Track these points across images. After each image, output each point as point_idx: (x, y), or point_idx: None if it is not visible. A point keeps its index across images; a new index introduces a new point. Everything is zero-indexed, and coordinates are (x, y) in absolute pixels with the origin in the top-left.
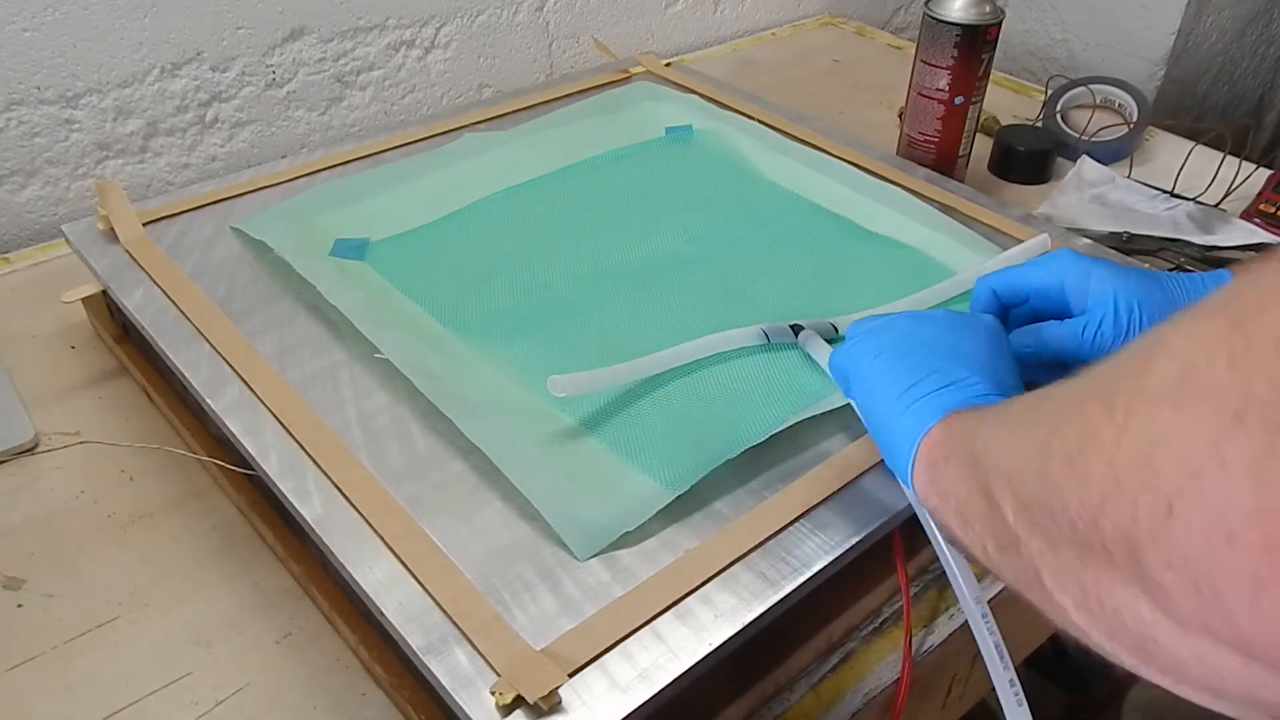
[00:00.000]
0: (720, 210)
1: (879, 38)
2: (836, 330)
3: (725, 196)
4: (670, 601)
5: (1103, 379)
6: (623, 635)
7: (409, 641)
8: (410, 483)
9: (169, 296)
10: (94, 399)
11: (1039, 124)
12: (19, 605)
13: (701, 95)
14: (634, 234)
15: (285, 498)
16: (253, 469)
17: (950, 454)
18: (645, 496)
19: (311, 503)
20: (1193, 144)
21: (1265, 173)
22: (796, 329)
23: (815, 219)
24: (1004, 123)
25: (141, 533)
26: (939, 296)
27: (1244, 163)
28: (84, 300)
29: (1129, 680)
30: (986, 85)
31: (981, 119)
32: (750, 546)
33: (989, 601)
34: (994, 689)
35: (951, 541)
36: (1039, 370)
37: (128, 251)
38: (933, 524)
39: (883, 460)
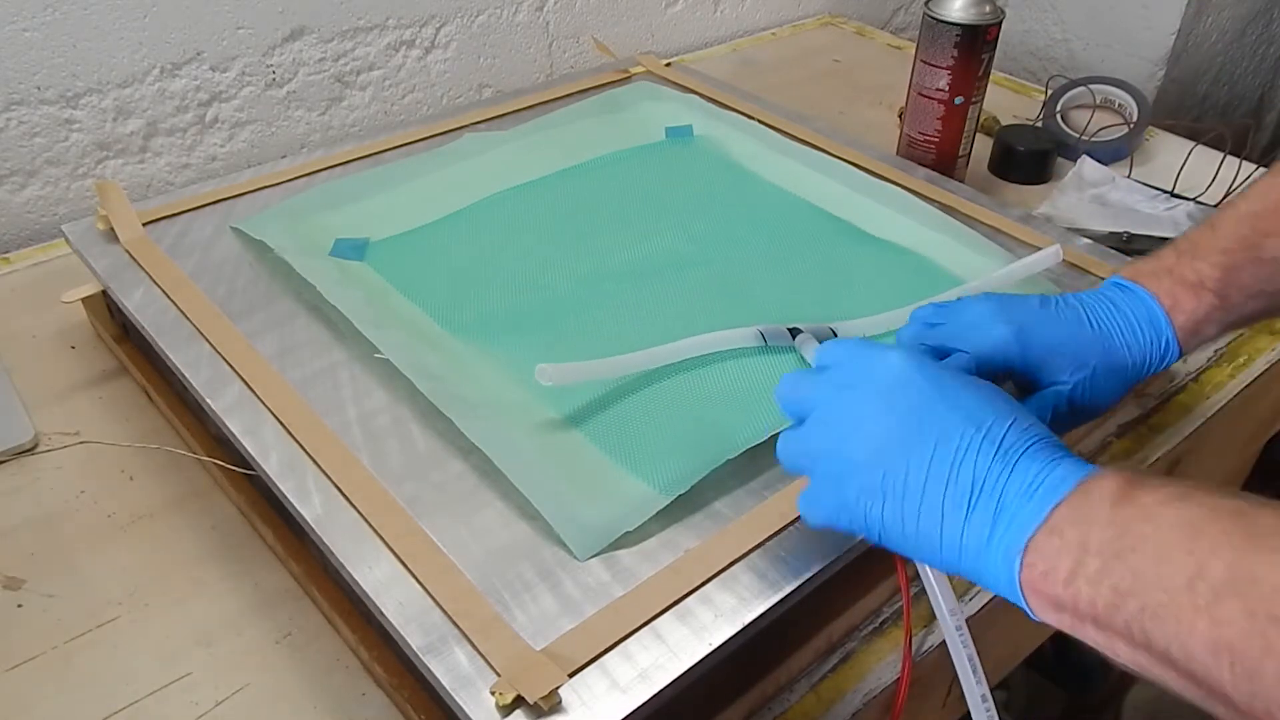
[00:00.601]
0: (720, 211)
1: (879, 38)
2: (835, 335)
3: (725, 198)
4: (670, 601)
5: None
6: (623, 635)
7: (409, 641)
8: (410, 483)
9: (169, 296)
10: (94, 399)
11: (1039, 124)
12: (19, 605)
13: (701, 95)
14: (634, 234)
15: (285, 498)
16: (253, 469)
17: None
18: (645, 497)
19: (311, 503)
20: (1193, 144)
21: (1264, 173)
22: (794, 332)
23: (815, 221)
24: (1004, 123)
25: (141, 533)
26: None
27: (1244, 163)
28: (84, 300)
29: (1129, 680)
30: (986, 85)
31: (981, 119)
32: (750, 546)
33: (967, 618)
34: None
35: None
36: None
37: (128, 251)
38: None
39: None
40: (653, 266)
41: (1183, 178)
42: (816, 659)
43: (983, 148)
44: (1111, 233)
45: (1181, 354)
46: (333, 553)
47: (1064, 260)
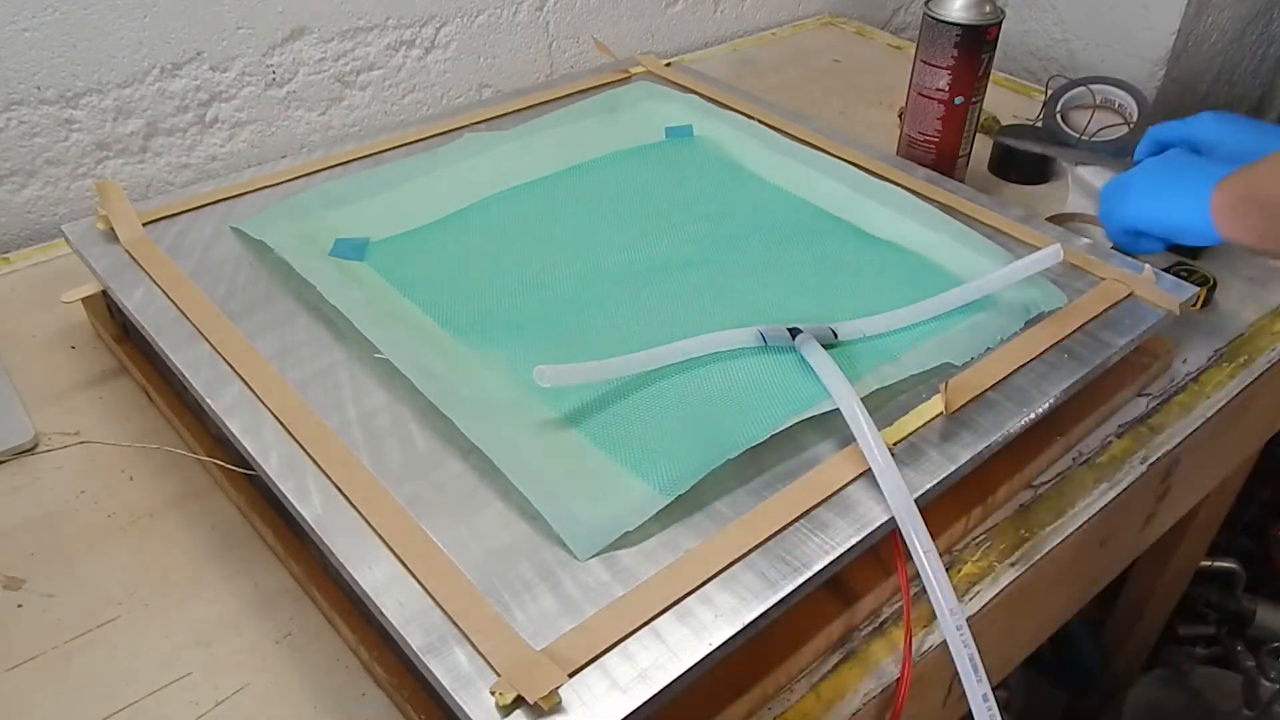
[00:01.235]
0: (721, 212)
1: (879, 38)
2: (836, 335)
3: (726, 198)
4: (670, 601)
5: None
6: (623, 635)
7: (409, 641)
8: (410, 483)
9: (169, 296)
10: (94, 399)
11: (1039, 124)
12: (19, 605)
13: (701, 95)
14: (633, 235)
15: (285, 498)
16: (253, 469)
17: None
18: (645, 497)
19: (311, 503)
20: None
21: None
22: (794, 332)
23: (816, 221)
24: (1004, 123)
25: (141, 533)
26: (945, 306)
27: None
28: (84, 300)
29: (1129, 680)
30: (986, 85)
31: (981, 119)
32: (750, 546)
33: (967, 618)
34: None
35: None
36: None
37: (128, 251)
38: (915, 540)
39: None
40: (652, 266)
41: None
42: (816, 659)
43: (983, 148)
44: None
45: None
46: (333, 553)
47: (1064, 260)
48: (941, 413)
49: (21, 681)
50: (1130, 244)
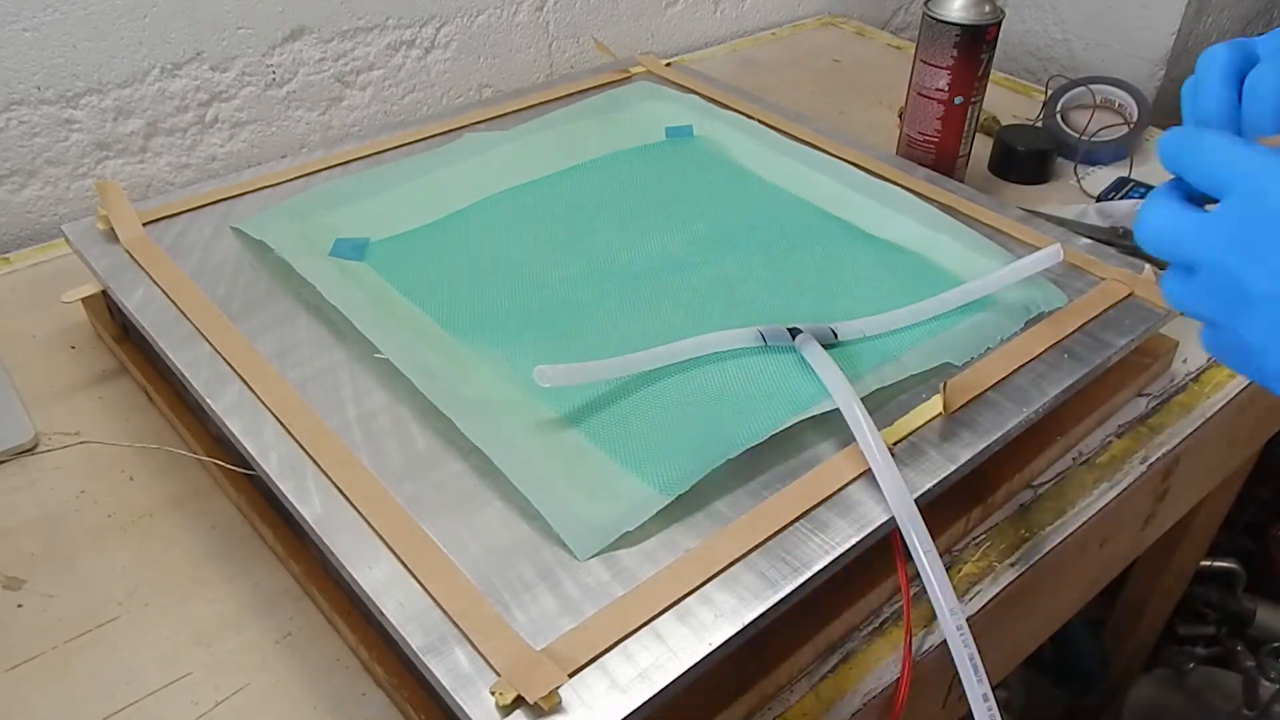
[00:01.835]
0: (721, 212)
1: (879, 38)
2: (836, 335)
3: (726, 198)
4: (670, 601)
5: None
6: (623, 635)
7: (409, 641)
8: (410, 483)
9: (169, 296)
10: (94, 399)
11: (1039, 124)
12: (19, 605)
13: (701, 95)
14: (634, 235)
15: (285, 498)
16: (253, 469)
17: None
18: (645, 497)
19: (311, 503)
20: None
21: None
22: (794, 332)
23: (816, 221)
24: (1004, 123)
25: (141, 533)
26: (945, 306)
27: None
28: (84, 300)
29: (1129, 680)
30: (986, 85)
31: (981, 119)
32: (750, 546)
33: (967, 618)
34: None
35: None
36: None
37: (128, 251)
38: (915, 540)
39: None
40: (652, 266)
41: None
42: (816, 659)
43: (983, 148)
44: (1110, 228)
45: None
46: (333, 553)
47: (1064, 260)
48: (941, 413)
49: (21, 681)
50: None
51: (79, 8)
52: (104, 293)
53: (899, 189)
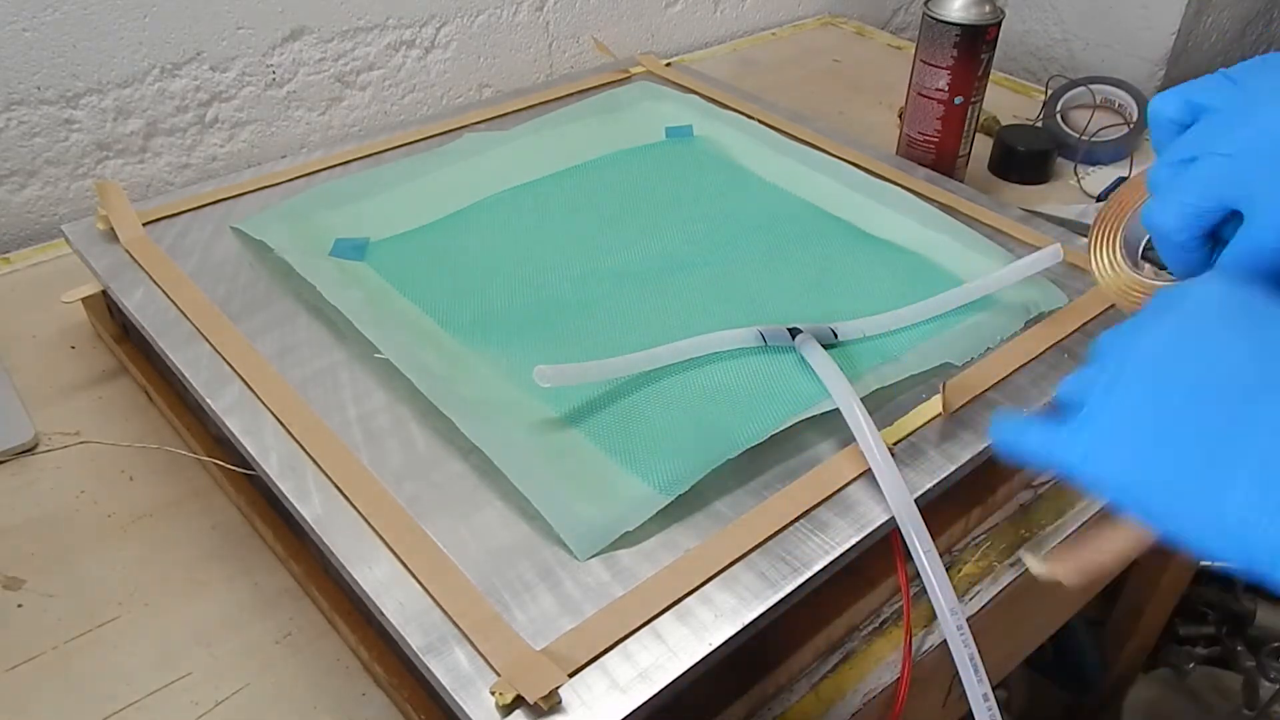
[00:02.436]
0: (720, 212)
1: (879, 38)
2: (836, 336)
3: (725, 198)
4: (670, 601)
5: None
6: (623, 635)
7: (409, 641)
8: (410, 483)
9: (169, 296)
10: (94, 399)
11: (1039, 124)
12: (19, 605)
13: (701, 95)
14: (633, 235)
15: (285, 498)
16: (253, 469)
17: None
18: (645, 497)
19: (311, 503)
20: None
21: None
22: (794, 332)
23: (816, 222)
24: (1004, 123)
25: (141, 533)
26: (945, 306)
27: None
28: (84, 300)
29: (1129, 680)
30: (986, 85)
31: (981, 119)
32: (750, 546)
33: (967, 618)
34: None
35: None
36: None
37: (128, 251)
38: (915, 540)
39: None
40: (652, 267)
41: None
42: (816, 659)
43: (983, 148)
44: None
45: None
46: (333, 553)
47: (1064, 260)
48: (941, 413)
49: (21, 681)
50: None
51: (79, 8)
52: (104, 293)
53: (899, 189)
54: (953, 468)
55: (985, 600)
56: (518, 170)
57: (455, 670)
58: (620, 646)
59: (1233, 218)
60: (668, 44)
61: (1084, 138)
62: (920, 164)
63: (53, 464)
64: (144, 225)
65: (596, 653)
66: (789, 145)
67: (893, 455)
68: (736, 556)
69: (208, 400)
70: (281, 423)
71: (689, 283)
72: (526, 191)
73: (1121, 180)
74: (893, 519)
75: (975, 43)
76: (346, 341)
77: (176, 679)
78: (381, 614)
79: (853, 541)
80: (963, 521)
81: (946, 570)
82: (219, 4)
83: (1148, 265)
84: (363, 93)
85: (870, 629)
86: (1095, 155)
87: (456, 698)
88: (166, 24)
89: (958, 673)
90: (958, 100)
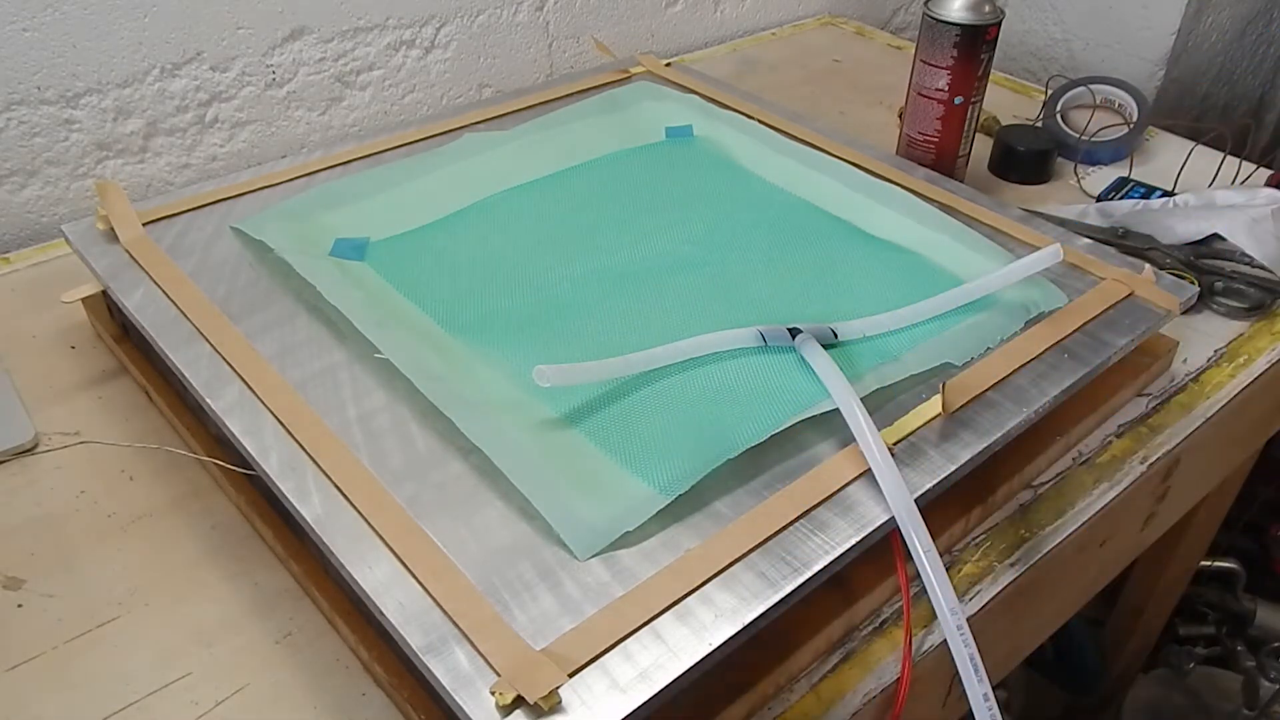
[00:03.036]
0: (721, 212)
1: (879, 38)
2: (836, 336)
3: (726, 198)
4: (670, 601)
5: None
6: (623, 635)
7: (409, 641)
8: (410, 483)
9: (169, 296)
10: (94, 399)
11: (1039, 124)
12: (19, 605)
13: (701, 95)
14: (634, 235)
15: (285, 498)
16: (253, 469)
17: None
18: (645, 497)
19: (311, 503)
20: (1193, 144)
21: (1265, 173)
22: (794, 332)
23: (816, 222)
24: (1004, 123)
25: (141, 533)
26: (945, 306)
27: (1244, 163)
28: (84, 300)
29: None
30: (986, 85)
31: (981, 119)
32: (750, 546)
33: (967, 618)
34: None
35: None
36: None
37: (128, 251)
38: (915, 540)
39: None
40: (652, 267)
41: (1183, 178)
42: (816, 659)
43: (983, 148)
44: (1108, 228)
45: None
46: (333, 553)
47: (1064, 260)
48: (941, 413)
49: (21, 681)
50: None
51: (79, 8)
52: (104, 293)
53: (899, 189)
54: (953, 468)
55: (985, 600)
56: (518, 170)
57: (455, 670)
58: (620, 646)
59: None
60: (668, 44)
61: (1084, 138)
62: (920, 164)
63: (53, 464)
64: (144, 225)
65: (596, 653)
66: (789, 145)
67: (893, 455)
68: (736, 556)
69: (208, 400)
70: (281, 423)
71: (689, 283)
72: (526, 192)
73: (1122, 180)
74: (893, 519)
75: (975, 43)
76: (346, 341)
77: (176, 679)
78: (381, 614)
79: (853, 541)
80: (963, 521)
81: (946, 570)
82: (219, 4)
83: None
84: (363, 93)
85: (870, 629)
86: (1095, 155)
87: (456, 698)
88: (166, 24)
89: (958, 673)
90: (958, 100)
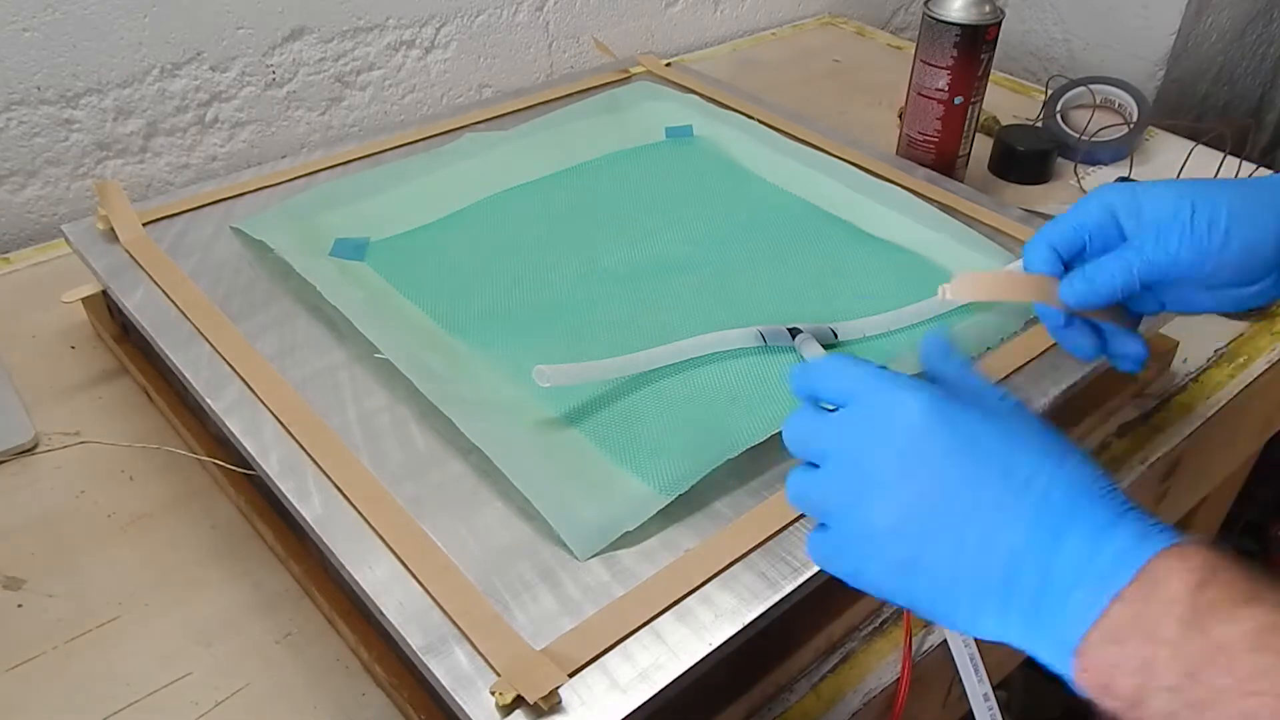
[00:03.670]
0: (720, 212)
1: (879, 38)
2: (836, 336)
3: (725, 198)
4: (670, 601)
5: None
6: (623, 635)
7: (409, 641)
8: (410, 483)
9: (169, 296)
10: (94, 399)
11: (1039, 124)
12: (19, 605)
13: (701, 95)
14: (633, 235)
15: (285, 498)
16: (253, 469)
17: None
18: (645, 497)
19: (311, 503)
20: (1193, 144)
21: (1265, 173)
22: (794, 332)
23: (816, 222)
24: (1004, 123)
25: (141, 533)
26: (945, 306)
27: (1244, 163)
28: (84, 300)
29: None
30: (986, 85)
31: (981, 119)
32: (750, 546)
33: None
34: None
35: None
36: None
37: (128, 251)
38: None
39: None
40: (652, 266)
41: (1183, 178)
42: (816, 659)
43: (983, 148)
44: None
45: None
46: (333, 553)
47: None
48: None
49: (21, 681)
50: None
51: (79, 8)
52: (104, 293)
53: (899, 189)
54: None
55: None
56: (518, 170)
57: (455, 670)
58: (620, 646)
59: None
60: (668, 44)
61: (1084, 138)
62: (920, 164)
63: (53, 464)
64: (144, 225)
65: (596, 653)
66: (789, 145)
67: None
68: (736, 556)
69: (208, 400)
70: (281, 423)
71: (689, 282)
72: (526, 192)
73: (1123, 180)
74: None
75: (975, 43)
76: (346, 341)
77: (176, 679)
78: (381, 614)
79: None
80: None
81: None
82: (219, 4)
83: None
84: (363, 93)
85: (870, 629)
86: (1095, 155)
87: (456, 698)
88: (166, 24)
89: (958, 672)
90: (958, 100)
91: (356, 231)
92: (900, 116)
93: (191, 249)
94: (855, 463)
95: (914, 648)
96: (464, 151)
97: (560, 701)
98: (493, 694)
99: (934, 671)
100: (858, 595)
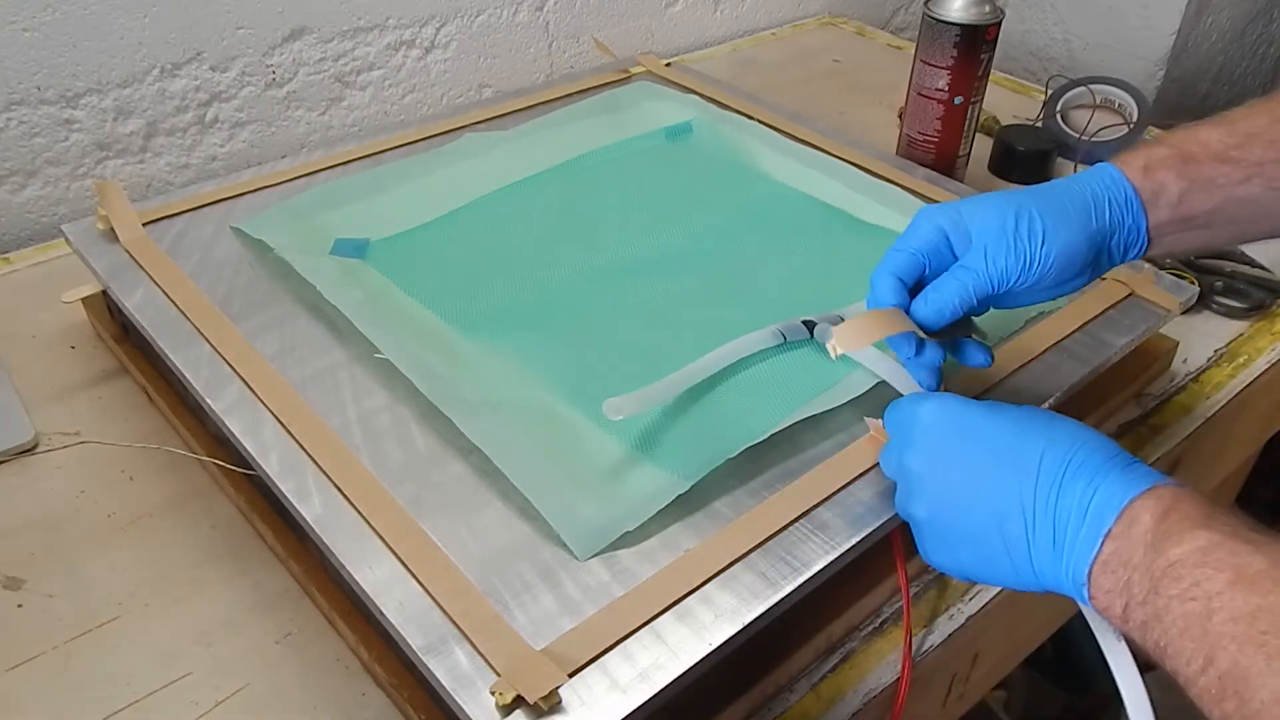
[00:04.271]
0: (720, 207)
1: (879, 38)
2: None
3: (725, 193)
4: (670, 601)
5: None
6: (623, 635)
7: (409, 641)
8: (410, 483)
9: (169, 296)
10: (94, 399)
11: (1039, 124)
12: (19, 605)
13: (701, 95)
14: (633, 231)
15: (285, 498)
16: (253, 469)
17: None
18: (646, 495)
19: (311, 503)
20: None
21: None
22: (810, 325)
23: (814, 213)
24: (1004, 123)
25: (141, 533)
26: None
27: None
28: (84, 300)
29: None
30: (986, 85)
31: (981, 119)
32: (750, 546)
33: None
34: None
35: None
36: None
37: (128, 251)
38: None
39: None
40: (652, 262)
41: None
42: (816, 659)
43: (983, 148)
44: None
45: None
46: (333, 553)
47: None
48: None
49: (21, 681)
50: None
51: (79, 8)
52: (104, 293)
53: (899, 189)
54: None
55: (985, 600)
56: (518, 170)
57: (455, 670)
58: (620, 646)
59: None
60: (668, 44)
61: (1084, 138)
62: (920, 164)
63: (53, 464)
64: (144, 225)
65: (596, 653)
66: (789, 145)
67: None
68: (736, 556)
69: (208, 400)
70: (281, 423)
71: (689, 277)
72: (527, 188)
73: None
74: (893, 518)
75: (975, 43)
76: (346, 341)
77: (176, 679)
78: (381, 614)
79: (853, 541)
80: None
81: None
82: (219, 4)
83: None
84: (363, 93)
85: (870, 629)
86: (1095, 155)
87: (456, 698)
88: (166, 24)
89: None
90: (958, 100)
91: (357, 231)
92: (900, 116)
93: (191, 249)
94: (903, 473)
95: (914, 648)
96: (464, 151)
97: (560, 701)
98: (493, 694)
99: (934, 671)
100: (858, 595)
